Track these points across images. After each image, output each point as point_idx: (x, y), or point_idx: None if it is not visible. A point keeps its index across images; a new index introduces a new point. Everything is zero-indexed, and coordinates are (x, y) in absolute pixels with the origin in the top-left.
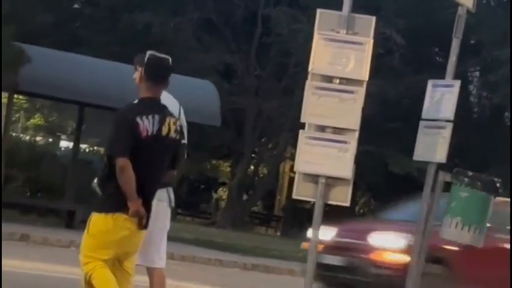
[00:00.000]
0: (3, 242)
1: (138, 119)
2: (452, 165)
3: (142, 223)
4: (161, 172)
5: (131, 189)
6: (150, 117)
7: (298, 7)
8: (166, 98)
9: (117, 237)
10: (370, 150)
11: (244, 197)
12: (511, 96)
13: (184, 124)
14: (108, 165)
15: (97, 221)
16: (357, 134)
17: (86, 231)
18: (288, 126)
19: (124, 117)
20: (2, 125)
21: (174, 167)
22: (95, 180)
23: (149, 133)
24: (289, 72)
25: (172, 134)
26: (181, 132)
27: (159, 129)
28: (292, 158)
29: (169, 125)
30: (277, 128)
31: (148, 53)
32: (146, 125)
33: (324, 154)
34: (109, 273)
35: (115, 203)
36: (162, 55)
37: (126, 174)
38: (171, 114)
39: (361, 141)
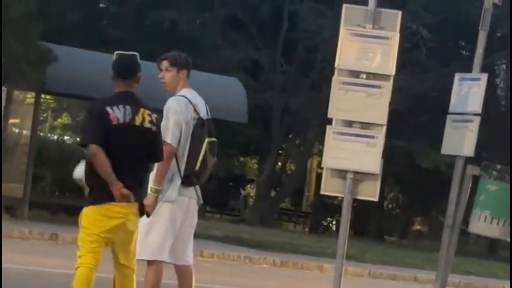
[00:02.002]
0: (33, 242)
1: (108, 109)
2: (480, 159)
3: (134, 203)
4: (139, 161)
5: (107, 173)
6: (121, 107)
7: (323, 2)
8: (193, 96)
9: (110, 226)
10: (397, 145)
11: (272, 193)
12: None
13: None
14: (87, 160)
15: (88, 214)
16: (384, 129)
17: (79, 228)
18: (315, 122)
19: (94, 108)
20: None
21: (155, 159)
22: (75, 173)
23: (120, 121)
24: (316, 68)
25: (147, 124)
26: (157, 124)
27: (132, 119)
28: (320, 154)
29: (143, 115)
30: (304, 124)
31: (115, 52)
32: (117, 113)
33: (352, 149)
34: (91, 275)
35: (102, 194)
36: (129, 53)
37: (99, 159)
38: (146, 106)
39: (388, 136)
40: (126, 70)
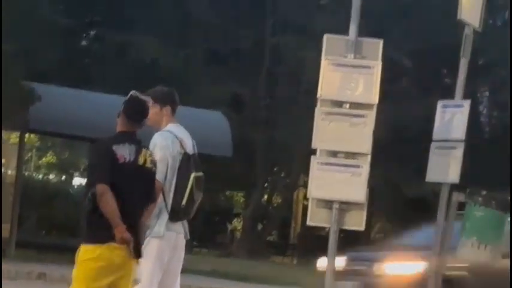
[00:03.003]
0: (21, 281)
1: (115, 147)
2: (465, 186)
3: (131, 250)
4: (142, 200)
5: (114, 213)
6: (126, 145)
7: (305, 34)
8: (179, 130)
9: (108, 266)
10: (383, 175)
11: (259, 226)
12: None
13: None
14: (91, 197)
15: (86, 252)
16: (369, 158)
17: (75, 265)
18: (299, 155)
19: (101, 146)
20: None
21: (153, 201)
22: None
23: (126, 160)
24: (299, 101)
25: (149, 164)
26: (155, 165)
27: (136, 158)
28: (306, 186)
29: (145, 155)
30: (289, 157)
31: (131, 92)
32: (123, 152)
33: (337, 179)
34: None
35: (102, 233)
36: (143, 97)
37: (107, 199)
38: (146, 147)
39: (373, 166)
40: (138, 114)
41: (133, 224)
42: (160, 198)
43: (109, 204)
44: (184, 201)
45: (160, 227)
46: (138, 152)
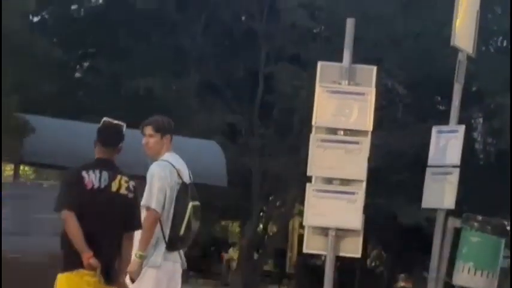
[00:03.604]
0: None
1: (84, 173)
2: (461, 212)
3: (99, 275)
4: (113, 227)
5: (77, 239)
6: (97, 172)
7: (299, 63)
8: (176, 160)
9: None
10: (378, 203)
11: (255, 256)
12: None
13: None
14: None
15: (60, 281)
16: (364, 185)
17: None
18: (294, 184)
19: (70, 172)
20: None
21: (133, 228)
22: None
23: (95, 186)
24: (293, 129)
25: (123, 191)
26: (135, 192)
27: (108, 185)
28: (301, 214)
29: (119, 181)
30: (284, 186)
31: (104, 119)
32: (92, 178)
33: (332, 206)
34: None
35: (72, 260)
36: (116, 122)
37: (70, 226)
38: (123, 173)
39: (368, 194)
40: (109, 138)
41: (103, 251)
42: (157, 228)
43: (73, 231)
44: (182, 231)
45: (157, 257)
46: (111, 179)
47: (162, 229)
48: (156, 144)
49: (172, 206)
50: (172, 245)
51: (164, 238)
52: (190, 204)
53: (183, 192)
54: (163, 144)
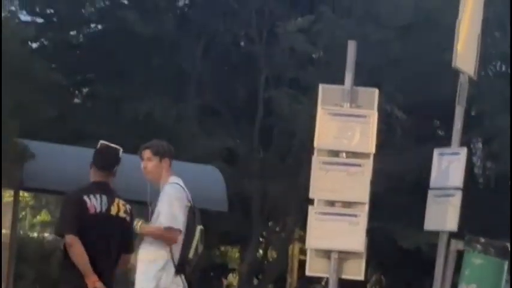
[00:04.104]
0: None
1: (85, 197)
2: (462, 236)
3: None
4: (114, 250)
5: (84, 264)
6: (97, 196)
7: (298, 87)
8: (183, 184)
9: None
10: (378, 227)
11: (255, 281)
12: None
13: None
14: (63, 250)
15: None
16: (366, 207)
17: None
18: (294, 208)
19: (71, 197)
20: None
21: (129, 251)
22: None
23: (97, 210)
24: (293, 153)
25: (122, 214)
26: (131, 214)
27: (108, 209)
28: (301, 239)
29: (118, 205)
30: (284, 211)
31: (100, 142)
32: (94, 203)
33: (335, 229)
34: None
35: (75, 284)
36: (113, 146)
37: (75, 250)
38: (120, 197)
39: (369, 218)
40: (105, 162)
41: (105, 274)
42: (165, 250)
43: (79, 255)
44: (191, 254)
45: (167, 280)
46: (110, 202)
47: (171, 251)
48: (155, 168)
49: (183, 229)
50: (181, 268)
51: (173, 261)
52: (199, 228)
53: (192, 215)
54: (162, 168)
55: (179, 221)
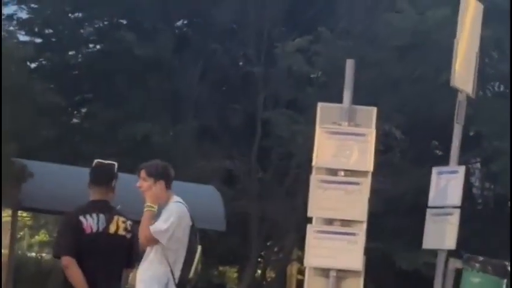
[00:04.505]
0: None
1: (81, 218)
2: (459, 256)
3: None
4: (114, 269)
5: (80, 285)
6: (94, 215)
7: (296, 108)
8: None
9: None
10: (376, 248)
11: None
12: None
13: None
14: (64, 272)
15: None
16: (365, 225)
17: None
18: (292, 229)
19: (67, 218)
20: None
21: (130, 266)
22: None
23: (93, 230)
24: (291, 174)
25: (121, 232)
26: (132, 231)
27: (106, 227)
28: (299, 260)
29: (117, 223)
30: (282, 231)
31: (95, 160)
32: (90, 222)
33: (333, 247)
34: None
35: None
36: (107, 162)
37: (71, 272)
38: (120, 214)
39: (367, 239)
40: (101, 177)
41: None
42: (167, 269)
43: (75, 277)
44: (191, 274)
45: None
46: (108, 221)
47: (172, 270)
48: (149, 188)
49: (184, 249)
50: (182, 287)
51: (174, 280)
52: (199, 247)
53: (194, 235)
54: (157, 189)
55: (165, 237)
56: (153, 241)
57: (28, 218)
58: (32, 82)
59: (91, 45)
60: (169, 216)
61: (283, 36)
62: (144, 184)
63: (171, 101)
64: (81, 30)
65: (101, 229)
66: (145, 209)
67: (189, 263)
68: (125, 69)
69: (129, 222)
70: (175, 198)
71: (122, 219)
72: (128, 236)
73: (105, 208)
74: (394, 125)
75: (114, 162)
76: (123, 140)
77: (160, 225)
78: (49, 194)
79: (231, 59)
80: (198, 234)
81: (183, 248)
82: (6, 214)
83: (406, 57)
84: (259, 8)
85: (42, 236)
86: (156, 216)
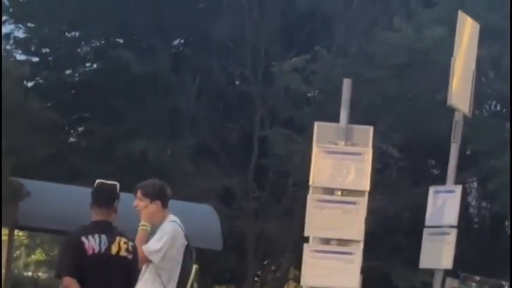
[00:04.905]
0: None
1: (83, 238)
2: (457, 274)
3: None
4: None
5: None
6: (96, 236)
7: (293, 127)
8: (175, 223)
9: None
10: (373, 266)
11: None
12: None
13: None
14: None
15: None
16: (361, 245)
17: None
18: (289, 248)
19: (69, 238)
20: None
21: (131, 286)
22: None
23: (95, 251)
24: (288, 193)
25: (123, 253)
26: (134, 252)
27: (108, 248)
28: (296, 279)
29: (119, 244)
30: (279, 250)
31: (97, 181)
32: (92, 243)
33: (330, 266)
34: None
35: None
36: (109, 182)
37: None
38: (122, 234)
39: (364, 257)
40: (103, 198)
41: None
42: (159, 286)
43: None
44: None
45: None
46: (110, 241)
47: None
48: (145, 208)
49: (178, 268)
50: None
51: None
52: (195, 267)
53: (189, 254)
54: (153, 209)
55: (158, 256)
56: (146, 260)
57: (24, 237)
58: (28, 101)
59: (88, 64)
60: (162, 235)
61: (280, 55)
62: (141, 204)
63: (168, 118)
64: (78, 49)
65: (102, 250)
66: (140, 228)
67: (183, 282)
68: (122, 88)
69: (130, 244)
70: (171, 217)
71: (123, 240)
72: (130, 256)
73: (107, 229)
74: (391, 144)
75: (116, 183)
76: (120, 158)
77: (153, 244)
78: (46, 213)
79: (228, 77)
80: (193, 254)
81: (177, 267)
82: (3, 233)
83: (402, 76)
84: (256, 27)
85: (38, 255)
86: (151, 235)
